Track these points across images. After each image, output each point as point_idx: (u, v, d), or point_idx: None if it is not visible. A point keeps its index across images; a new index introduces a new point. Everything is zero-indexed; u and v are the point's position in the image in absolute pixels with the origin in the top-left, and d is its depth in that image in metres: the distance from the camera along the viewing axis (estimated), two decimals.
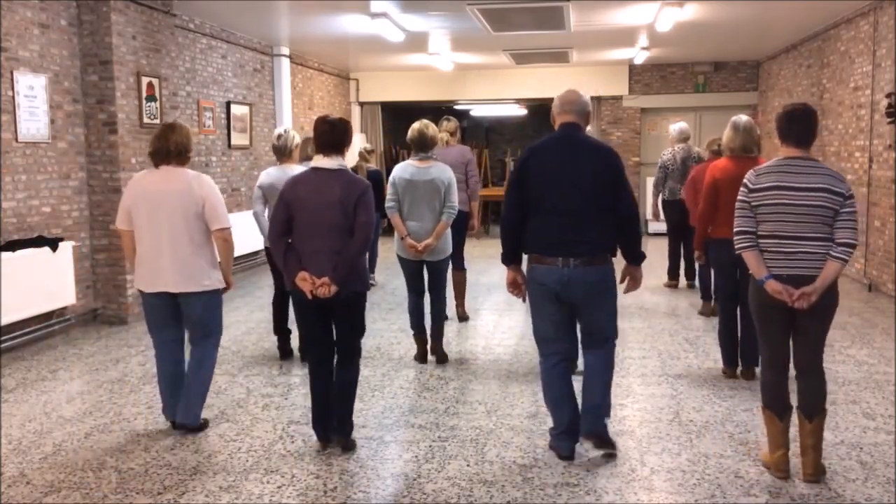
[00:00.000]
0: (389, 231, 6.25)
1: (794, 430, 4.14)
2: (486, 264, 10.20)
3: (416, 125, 5.51)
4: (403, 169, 5.47)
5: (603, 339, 3.91)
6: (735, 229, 3.65)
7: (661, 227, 9.13)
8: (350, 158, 4.30)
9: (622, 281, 3.96)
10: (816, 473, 3.57)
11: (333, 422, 4.01)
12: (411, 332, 5.69)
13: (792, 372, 3.68)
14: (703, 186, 5.19)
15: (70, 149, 6.78)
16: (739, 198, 3.65)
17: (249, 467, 3.80)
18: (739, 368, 5.16)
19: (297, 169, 5.51)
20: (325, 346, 4.01)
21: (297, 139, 5.71)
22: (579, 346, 4.11)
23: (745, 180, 3.66)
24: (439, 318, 5.62)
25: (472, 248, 11.35)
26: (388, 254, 7.26)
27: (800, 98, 10.93)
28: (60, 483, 3.66)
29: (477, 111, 17.45)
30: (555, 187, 3.70)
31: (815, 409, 3.59)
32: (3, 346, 5.95)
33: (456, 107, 16.12)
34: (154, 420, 4.49)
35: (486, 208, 14.18)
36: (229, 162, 9.87)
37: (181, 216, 4.10)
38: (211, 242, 4.23)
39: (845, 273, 9.03)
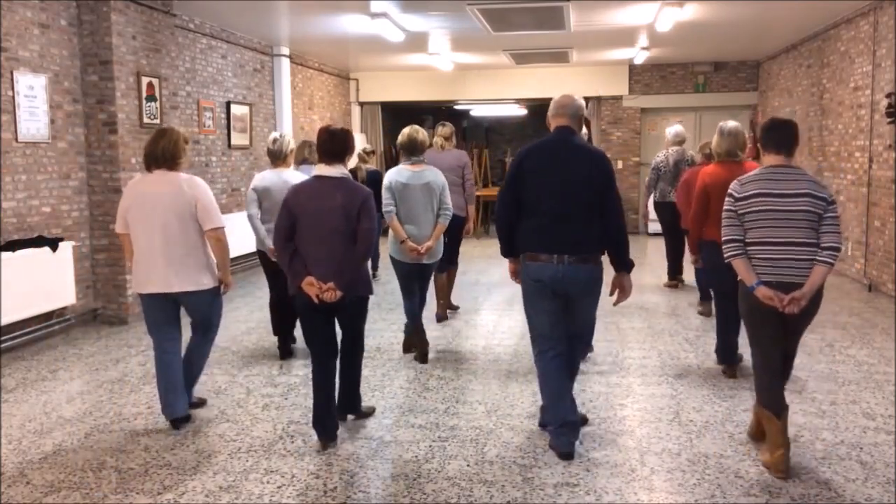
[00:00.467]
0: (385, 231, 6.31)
1: (793, 430, 4.15)
2: (485, 264, 10.20)
3: (406, 130, 5.67)
4: (399, 173, 5.57)
5: (585, 339, 4.18)
6: (723, 238, 3.75)
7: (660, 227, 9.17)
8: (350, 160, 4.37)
9: (612, 293, 4.00)
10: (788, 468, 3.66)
11: (335, 421, 4.11)
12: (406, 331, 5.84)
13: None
14: (695, 191, 5.27)
15: (70, 149, 6.78)
16: (726, 207, 3.75)
17: (249, 467, 3.80)
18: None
19: (290, 172, 5.71)
20: (330, 347, 4.13)
21: (292, 144, 5.84)
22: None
23: (730, 190, 3.76)
24: (420, 314, 5.80)
25: (472, 249, 11.34)
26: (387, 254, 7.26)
27: (800, 98, 10.93)
28: (60, 483, 3.66)
29: (477, 111, 17.46)
30: (548, 189, 3.81)
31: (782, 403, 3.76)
32: (3, 346, 5.95)
33: (456, 107, 16.14)
34: (154, 420, 4.49)
35: (486, 208, 14.18)
36: (229, 162, 9.87)
37: (174, 217, 4.19)
38: (206, 243, 4.32)
39: (845, 273, 9.04)
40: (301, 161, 7.43)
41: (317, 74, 12.90)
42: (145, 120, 7.21)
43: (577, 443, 4.02)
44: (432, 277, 6.03)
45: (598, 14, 8.83)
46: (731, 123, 5.26)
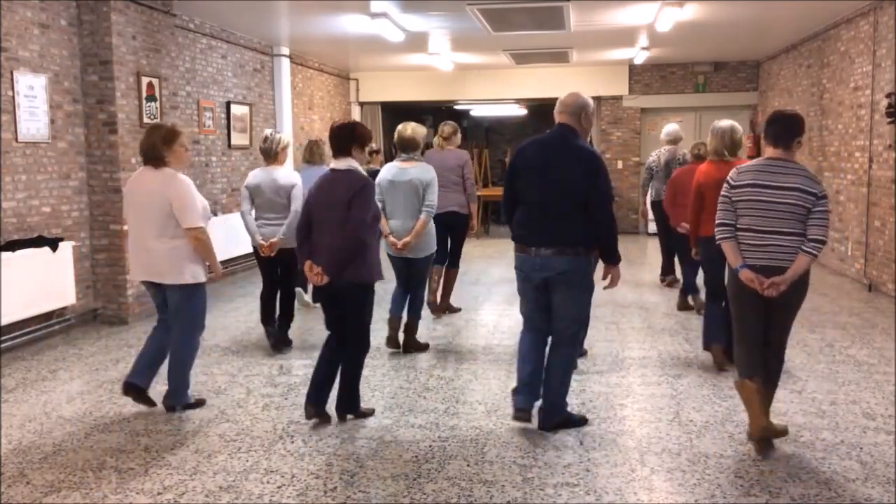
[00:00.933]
0: None
1: (793, 431, 4.15)
2: (485, 264, 10.20)
3: (398, 127, 5.87)
4: (388, 170, 5.81)
5: (566, 339, 4.13)
6: (716, 221, 3.97)
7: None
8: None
9: (604, 277, 4.19)
10: (759, 433, 3.83)
11: (323, 396, 4.32)
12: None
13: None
14: (692, 189, 5.49)
15: (70, 149, 6.78)
16: (722, 193, 3.96)
17: (249, 467, 3.80)
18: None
19: (281, 170, 5.87)
20: (332, 331, 4.37)
21: (283, 142, 5.93)
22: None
23: (727, 177, 3.98)
24: (415, 313, 5.90)
25: (472, 248, 11.33)
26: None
27: (800, 98, 10.93)
28: (60, 483, 3.66)
29: (477, 111, 17.46)
30: (534, 182, 4.01)
31: (767, 379, 3.90)
32: (3, 346, 5.95)
33: (456, 107, 16.13)
34: (154, 420, 4.49)
35: (486, 208, 14.19)
36: (229, 162, 9.87)
37: (156, 213, 4.38)
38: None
39: (845, 273, 9.04)
40: (308, 161, 7.53)
41: (317, 74, 12.90)
42: (145, 120, 7.21)
43: (578, 442, 4.03)
44: (430, 277, 6.09)
45: (598, 14, 8.83)
46: (722, 123, 5.39)
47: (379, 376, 5.27)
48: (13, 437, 4.26)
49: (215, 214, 9.12)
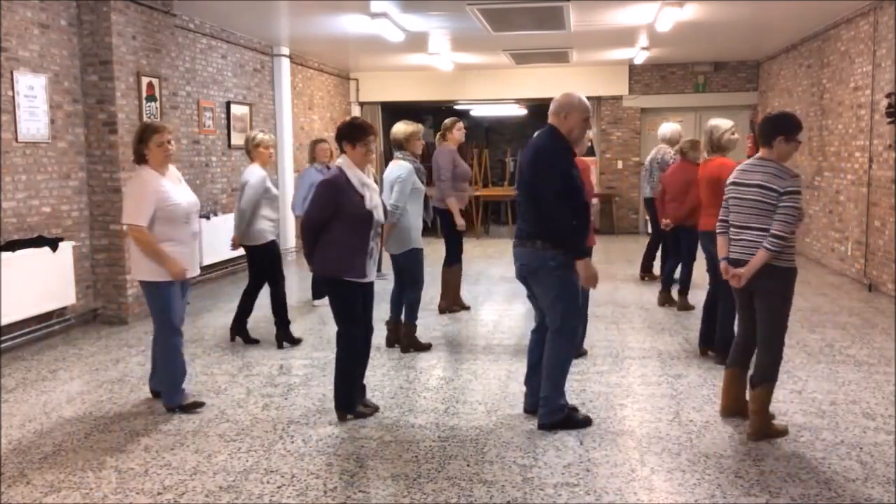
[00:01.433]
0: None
1: (793, 431, 4.14)
2: (485, 264, 10.20)
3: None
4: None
5: (552, 332, 4.20)
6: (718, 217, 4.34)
7: None
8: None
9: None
10: (756, 434, 4.04)
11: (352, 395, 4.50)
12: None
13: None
14: (677, 187, 6.23)
15: (70, 149, 6.78)
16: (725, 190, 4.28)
17: (249, 467, 3.80)
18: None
19: (249, 169, 5.97)
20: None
21: (256, 139, 6.03)
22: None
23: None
24: (407, 313, 5.93)
25: (472, 248, 11.31)
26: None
27: (800, 98, 10.93)
28: (60, 483, 3.66)
29: (477, 111, 17.45)
30: (517, 180, 4.34)
31: (757, 378, 4.05)
32: (3, 346, 5.95)
33: (456, 107, 16.12)
34: (154, 420, 4.49)
35: (486, 208, 14.18)
36: (229, 162, 9.87)
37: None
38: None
39: (845, 273, 9.04)
40: (312, 160, 7.59)
41: (317, 74, 12.90)
42: (145, 120, 7.21)
43: (578, 443, 4.03)
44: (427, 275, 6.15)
45: (598, 14, 8.83)
46: (709, 122, 5.60)
47: (379, 376, 5.27)
48: (13, 437, 4.26)
49: (215, 214, 9.12)
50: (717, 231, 4.28)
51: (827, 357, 5.65)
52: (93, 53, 6.84)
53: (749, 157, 5.70)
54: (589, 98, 15.26)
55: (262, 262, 6.02)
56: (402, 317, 5.95)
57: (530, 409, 4.44)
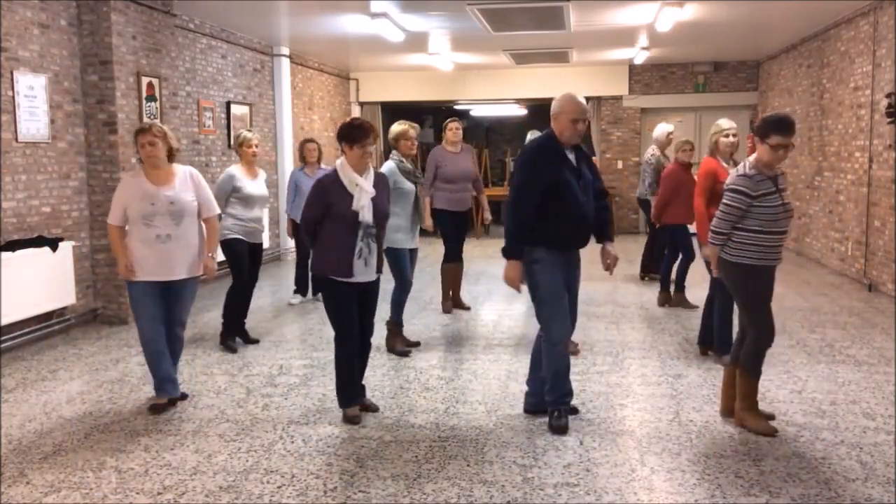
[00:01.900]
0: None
1: (793, 430, 4.14)
2: (486, 264, 10.20)
3: None
4: None
5: (540, 329, 4.33)
6: None
7: None
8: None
9: None
10: (738, 421, 4.24)
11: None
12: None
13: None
14: (670, 187, 6.82)
15: (70, 149, 6.78)
16: None
17: (249, 467, 3.80)
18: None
19: (228, 169, 6.03)
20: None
21: (241, 138, 6.05)
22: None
23: None
24: (391, 310, 5.96)
25: (472, 248, 11.31)
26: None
27: (800, 98, 10.93)
28: (60, 483, 3.66)
29: (477, 111, 17.45)
30: None
31: (734, 357, 4.32)
32: (3, 346, 5.95)
33: (456, 107, 16.12)
34: (154, 420, 4.49)
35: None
36: (229, 162, 9.84)
37: None
38: (124, 235, 4.63)
39: (845, 273, 9.04)
40: (303, 160, 7.62)
41: (317, 74, 12.90)
42: (145, 120, 7.21)
43: (578, 442, 4.04)
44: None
45: (598, 14, 8.83)
46: (715, 123, 5.71)
47: (379, 376, 5.27)
48: (13, 437, 4.26)
49: None
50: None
51: (827, 357, 5.65)
52: (93, 53, 6.84)
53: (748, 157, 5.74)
54: (589, 98, 15.24)
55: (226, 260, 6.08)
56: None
57: (530, 409, 4.45)
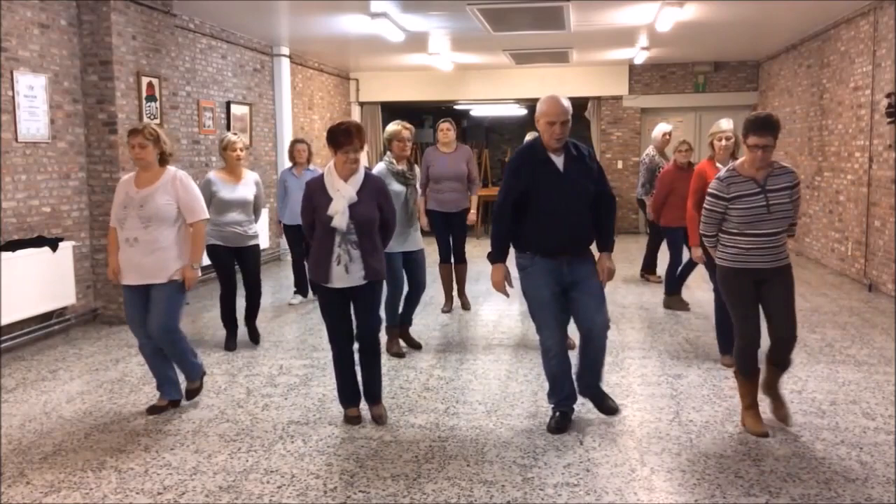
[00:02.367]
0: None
1: (793, 430, 4.14)
2: (486, 264, 10.17)
3: None
4: None
5: None
6: None
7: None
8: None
9: None
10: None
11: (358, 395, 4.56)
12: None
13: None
14: (666, 188, 6.89)
15: (70, 149, 6.78)
16: None
17: (249, 467, 3.80)
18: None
19: (213, 174, 5.99)
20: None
21: (224, 141, 5.99)
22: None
23: None
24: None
25: (472, 248, 11.36)
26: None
27: (800, 98, 10.93)
28: (60, 483, 3.66)
29: (477, 111, 17.46)
30: None
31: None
32: (3, 346, 5.95)
33: (456, 107, 16.13)
34: (154, 420, 4.49)
35: (486, 208, 14.16)
36: None
37: None
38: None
39: (845, 273, 9.04)
40: (292, 160, 7.64)
41: (317, 74, 12.90)
42: (145, 120, 7.21)
43: (578, 442, 4.04)
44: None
45: (598, 14, 8.83)
46: (722, 122, 5.69)
47: None
48: (13, 437, 4.26)
49: None
50: None
51: (827, 357, 5.65)
52: (93, 53, 6.84)
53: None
54: (589, 98, 15.21)
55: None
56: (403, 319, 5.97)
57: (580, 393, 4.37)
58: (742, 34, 10.49)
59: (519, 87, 14.16)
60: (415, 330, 6.41)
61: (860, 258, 8.60)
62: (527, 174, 4.06)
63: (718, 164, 5.38)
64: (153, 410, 4.60)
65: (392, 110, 15.80)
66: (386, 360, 5.68)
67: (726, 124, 5.53)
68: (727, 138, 5.47)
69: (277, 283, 9.11)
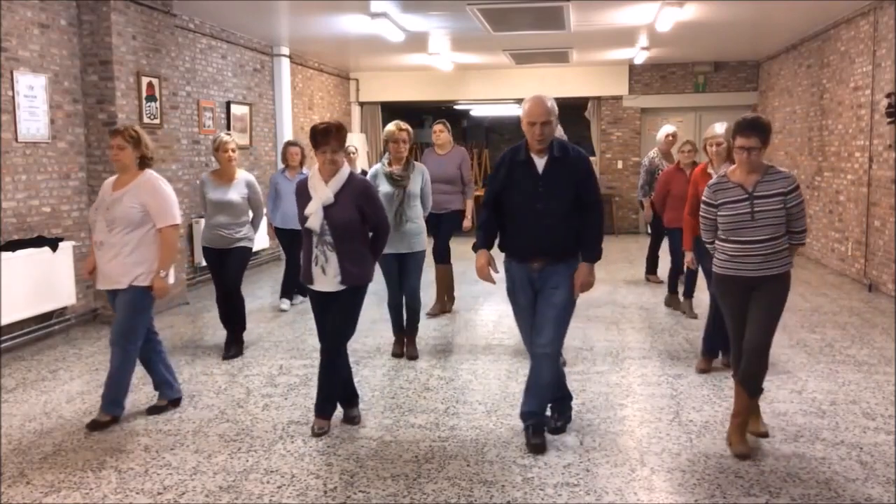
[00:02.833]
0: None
1: (793, 430, 4.13)
2: None
3: None
4: None
5: None
6: None
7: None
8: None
9: None
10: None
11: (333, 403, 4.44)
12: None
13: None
14: (665, 190, 6.82)
15: (70, 149, 6.78)
16: None
17: (249, 467, 3.80)
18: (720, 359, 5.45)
19: (205, 175, 5.98)
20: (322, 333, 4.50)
21: (217, 142, 5.91)
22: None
23: None
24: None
25: (467, 251, 11.33)
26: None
27: (800, 98, 10.93)
28: (60, 483, 3.66)
29: (477, 111, 17.46)
30: None
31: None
32: (3, 346, 5.95)
33: (456, 107, 16.13)
34: (154, 420, 4.49)
35: None
36: None
37: None
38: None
39: (845, 273, 9.04)
40: (285, 162, 7.60)
41: (317, 74, 12.90)
42: (145, 120, 7.21)
43: (578, 442, 4.03)
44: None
45: (598, 14, 8.83)
46: (715, 126, 5.63)
47: (379, 376, 5.27)
48: (13, 437, 4.26)
49: None
50: None
51: (827, 357, 5.65)
52: (93, 53, 6.84)
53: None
54: (589, 98, 15.17)
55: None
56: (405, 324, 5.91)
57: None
58: (742, 34, 10.49)
59: (519, 87, 14.13)
60: None
61: (860, 258, 8.60)
62: (504, 174, 3.99)
63: (710, 171, 5.36)
64: (153, 410, 4.60)
65: (392, 110, 15.79)
66: (386, 360, 5.68)
67: (720, 129, 5.49)
68: (718, 143, 5.43)
69: (276, 284, 9.10)
